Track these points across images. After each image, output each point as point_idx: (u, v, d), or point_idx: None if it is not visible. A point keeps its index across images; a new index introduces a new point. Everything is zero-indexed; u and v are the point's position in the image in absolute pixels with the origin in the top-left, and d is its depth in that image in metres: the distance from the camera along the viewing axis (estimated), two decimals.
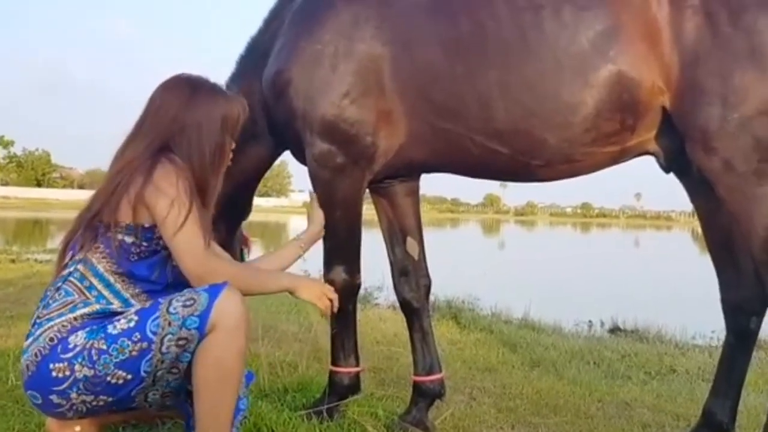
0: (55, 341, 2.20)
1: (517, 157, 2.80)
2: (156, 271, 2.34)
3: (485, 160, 2.87)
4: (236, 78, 3.24)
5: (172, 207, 2.23)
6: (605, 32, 2.63)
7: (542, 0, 2.69)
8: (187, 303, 2.16)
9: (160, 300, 2.21)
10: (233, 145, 2.48)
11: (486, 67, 2.74)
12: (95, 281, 2.29)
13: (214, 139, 2.37)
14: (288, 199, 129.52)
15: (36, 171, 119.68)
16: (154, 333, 2.15)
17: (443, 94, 2.76)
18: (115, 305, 2.28)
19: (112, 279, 2.30)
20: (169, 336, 2.15)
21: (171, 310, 2.16)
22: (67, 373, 2.17)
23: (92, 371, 2.16)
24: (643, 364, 5.15)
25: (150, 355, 2.16)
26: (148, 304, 2.24)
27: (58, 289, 2.30)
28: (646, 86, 2.63)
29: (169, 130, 2.34)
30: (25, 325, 4.96)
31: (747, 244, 2.61)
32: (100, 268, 2.29)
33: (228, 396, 2.20)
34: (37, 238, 26.96)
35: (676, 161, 2.82)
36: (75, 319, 2.24)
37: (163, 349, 2.16)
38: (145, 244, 2.29)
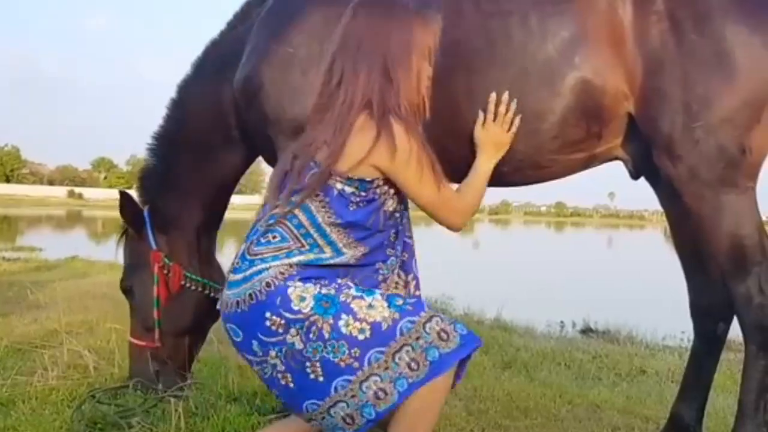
0: (273, 287, 2.13)
1: None
2: (371, 218, 2.25)
3: (457, 165, 2.86)
4: (200, 82, 3.22)
5: (409, 166, 2.20)
6: (571, 39, 2.62)
7: (510, 6, 2.68)
8: (412, 366, 2.08)
9: (397, 330, 2.11)
10: (429, 72, 2.37)
11: (454, 73, 2.72)
12: (312, 230, 2.21)
13: (417, 66, 2.28)
14: (261, 195, 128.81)
15: (5, 167, 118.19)
16: (369, 363, 2.08)
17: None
18: (328, 254, 2.21)
19: (328, 230, 2.21)
20: (377, 378, 2.08)
21: (396, 359, 2.08)
22: (281, 330, 2.11)
23: (302, 345, 2.10)
24: (613, 366, 5.18)
25: (352, 378, 2.09)
26: (385, 325, 2.11)
27: (271, 228, 2.23)
28: (610, 93, 2.63)
29: (379, 63, 2.23)
30: None
31: (713, 251, 2.62)
32: (319, 218, 2.21)
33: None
34: (5, 234, 26.63)
35: (644, 167, 2.82)
36: (290, 266, 2.17)
37: (364, 387, 2.08)
38: (363, 193, 2.22)
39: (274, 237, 2.22)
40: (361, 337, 2.08)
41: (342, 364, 2.09)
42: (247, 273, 2.18)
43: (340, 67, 2.25)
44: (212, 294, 3.35)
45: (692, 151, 2.52)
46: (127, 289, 3.36)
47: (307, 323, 2.10)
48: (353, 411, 2.10)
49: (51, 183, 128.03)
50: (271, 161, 3.05)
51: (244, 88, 2.93)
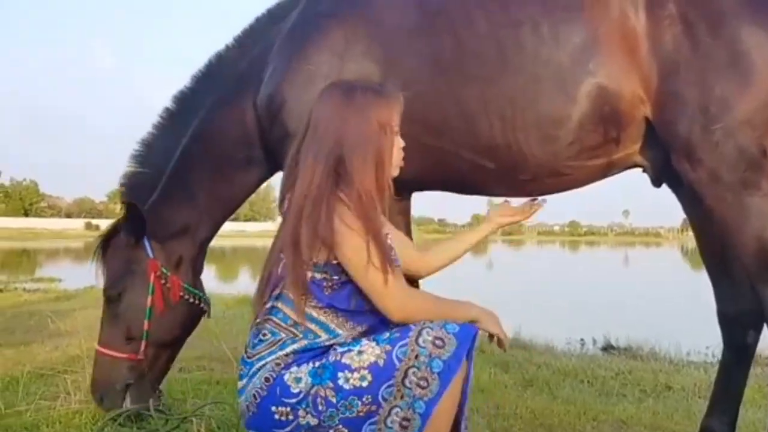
0: (272, 381, 2.16)
1: (503, 171, 2.81)
2: (353, 300, 2.23)
3: (472, 175, 2.88)
4: (222, 101, 3.21)
5: (353, 252, 2.16)
6: (584, 45, 2.64)
7: (521, 16, 2.71)
8: (422, 384, 2.08)
9: (394, 359, 2.10)
10: (401, 144, 2.36)
11: (468, 83, 2.75)
12: (299, 318, 2.22)
13: (375, 150, 2.25)
14: (274, 223, 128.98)
15: (24, 201, 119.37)
16: (385, 400, 2.08)
17: (430, 110, 2.76)
18: (323, 338, 2.21)
19: (314, 313, 2.22)
20: (397, 409, 2.08)
21: (406, 383, 2.08)
22: (290, 417, 2.13)
23: (316, 420, 2.11)
24: (637, 382, 5.10)
25: (375, 419, 2.09)
26: (381, 361, 2.11)
27: (262, 328, 2.26)
28: (626, 97, 2.64)
29: (333, 151, 2.22)
30: (14, 353, 4.97)
31: (739, 255, 2.60)
32: (292, 296, 2.22)
33: None
34: (25, 267, 26.82)
35: (665, 173, 2.82)
36: (286, 355, 2.19)
37: (389, 422, 2.08)
38: (335, 277, 2.21)
39: (264, 335, 2.25)
40: (365, 384, 2.10)
41: (362, 414, 2.10)
42: (249, 374, 2.23)
43: (301, 153, 2.28)
44: (203, 306, 3.38)
45: (712, 154, 2.51)
46: (113, 297, 3.22)
47: (310, 398, 2.12)
48: None
49: (69, 216, 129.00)
50: None
51: (268, 106, 2.97)
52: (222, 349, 4.99)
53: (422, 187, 3.08)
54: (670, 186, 3.00)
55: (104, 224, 3.31)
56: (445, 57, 2.78)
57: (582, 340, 7.80)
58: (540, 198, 2.80)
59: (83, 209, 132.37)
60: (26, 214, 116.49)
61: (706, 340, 7.48)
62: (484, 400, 4.17)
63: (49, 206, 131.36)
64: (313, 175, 2.20)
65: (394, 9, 2.91)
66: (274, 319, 2.25)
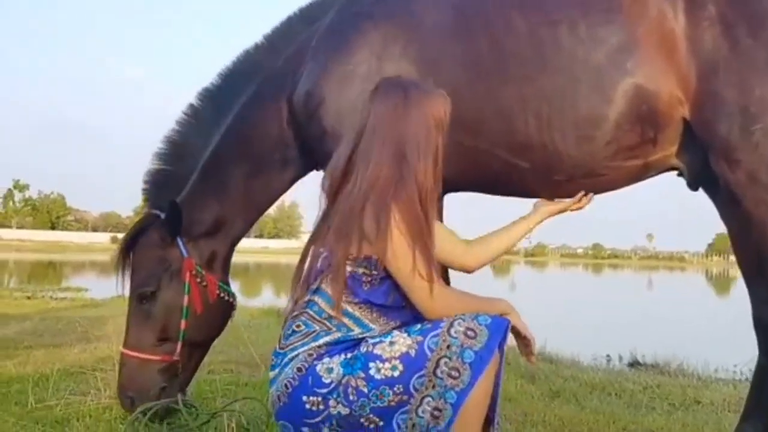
0: (303, 371, 2.18)
1: (538, 171, 2.82)
2: (390, 296, 2.24)
3: (507, 175, 2.88)
4: (260, 100, 3.21)
5: (401, 261, 2.18)
6: (621, 45, 2.66)
7: (559, 16, 2.73)
8: (453, 374, 2.08)
9: (426, 349, 2.11)
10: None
11: (505, 82, 2.77)
12: (333, 312, 2.23)
13: (434, 147, 2.28)
14: (298, 240, 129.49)
15: (51, 214, 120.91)
16: (417, 390, 2.09)
17: (466, 110, 2.78)
18: (356, 332, 2.23)
19: (350, 308, 2.23)
20: (429, 399, 2.09)
21: (438, 374, 2.08)
22: (321, 407, 2.14)
23: (347, 410, 2.12)
24: (666, 396, 5.04)
25: (407, 409, 2.10)
26: (413, 351, 2.12)
27: (297, 321, 2.28)
28: (664, 97, 2.64)
29: (396, 150, 2.24)
30: (43, 354, 5.03)
31: None
32: (331, 292, 2.24)
33: (474, 430, 2.14)
34: (51, 278, 27.11)
35: (701, 177, 2.81)
36: (319, 347, 2.21)
37: (420, 412, 2.09)
38: (375, 272, 2.21)
39: (298, 327, 2.27)
40: (396, 374, 2.10)
41: (393, 404, 2.11)
42: (281, 365, 2.24)
43: (356, 153, 2.29)
44: (235, 304, 3.38)
45: (751, 154, 2.51)
46: (145, 297, 3.18)
47: (342, 388, 2.12)
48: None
49: (95, 229, 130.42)
50: None
51: (305, 104, 3.00)
52: (249, 354, 5.04)
53: (456, 188, 3.08)
54: (707, 190, 2.98)
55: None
56: (483, 57, 2.80)
57: (608, 356, 7.73)
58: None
59: (109, 223, 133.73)
60: (53, 227, 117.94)
61: (733, 360, 7.42)
62: (511, 409, 4.14)
63: (76, 220, 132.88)
64: (378, 175, 2.21)
65: (431, 10, 2.94)
66: (309, 311, 2.27)
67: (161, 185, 3.34)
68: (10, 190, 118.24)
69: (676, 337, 10.65)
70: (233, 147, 3.24)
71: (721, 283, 48.17)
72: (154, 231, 3.22)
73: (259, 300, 14.55)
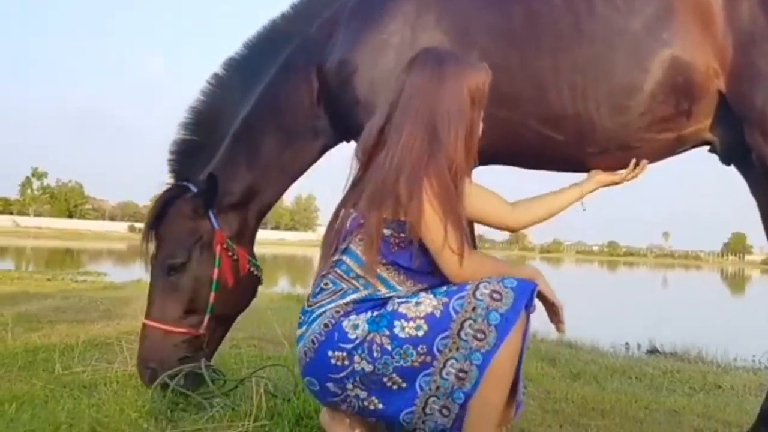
0: (330, 327, 2.20)
1: (571, 143, 2.80)
2: (417, 260, 2.24)
3: (540, 148, 2.87)
4: (291, 70, 3.18)
5: (433, 233, 2.18)
6: (658, 15, 2.65)
7: None
8: (479, 336, 2.08)
9: (451, 311, 2.12)
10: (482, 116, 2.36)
11: (539, 52, 2.76)
12: (361, 271, 2.25)
13: (468, 121, 2.27)
14: (315, 233, 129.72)
15: (68, 202, 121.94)
16: (440, 351, 2.10)
17: (500, 81, 2.76)
18: (383, 291, 2.24)
19: (377, 269, 2.25)
20: (453, 361, 2.10)
21: (462, 336, 2.09)
22: (346, 362, 2.16)
23: (371, 367, 2.13)
24: (686, 380, 5.03)
25: (430, 371, 2.11)
26: (438, 312, 2.13)
27: (325, 279, 2.30)
28: (700, 69, 2.63)
29: (429, 122, 2.24)
30: (66, 328, 5.08)
31: None
32: (363, 256, 2.26)
33: (501, 396, 2.15)
34: (69, 265, 27.31)
35: (735, 151, 2.79)
36: (346, 304, 2.23)
37: (444, 374, 2.11)
38: (402, 235, 2.22)
39: (326, 285, 2.29)
40: (420, 333, 2.10)
41: (416, 364, 2.11)
42: (309, 322, 2.26)
43: (391, 129, 2.29)
44: (261, 278, 3.36)
45: None
46: (174, 268, 3.12)
47: (366, 344, 2.13)
48: (445, 401, 2.12)
49: (112, 219, 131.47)
50: None
51: (338, 72, 2.99)
52: (272, 333, 5.07)
53: (488, 161, 3.08)
54: (738, 166, 2.96)
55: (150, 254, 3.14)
56: (517, 27, 2.80)
57: (627, 344, 7.71)
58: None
59: (126, 212, 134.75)
60: (71, 216, 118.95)
61: (752, 350, 7.39)
62: (533, 387, 4.14)
63: (94, 209, 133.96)
64: (411, 147, 2.21)
65: None
66: (337, 270, 2.29)
67: (187, 155, 3.30)
68: (28, 177, 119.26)
69: (694, 328, 10.61)
70: (264, 117, 3.21)
71: (735, 283, 47.81)
72: (184, 202, 3.17)
73: (277, 289, 14.60)
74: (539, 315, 2.24)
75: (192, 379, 3.10)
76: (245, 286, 3.27)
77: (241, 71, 3.29)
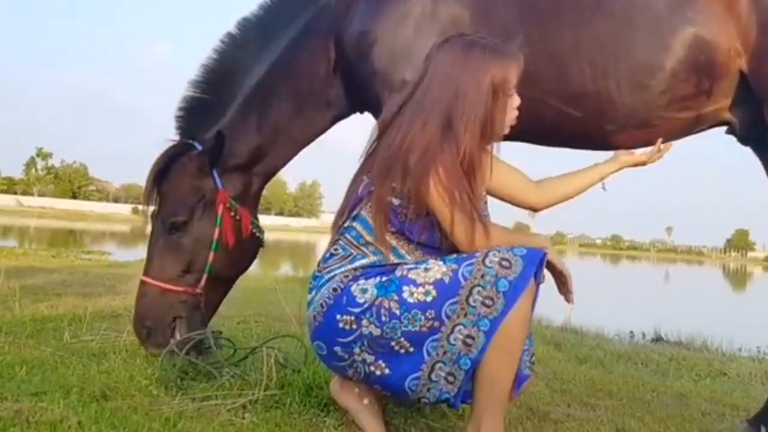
0: (339, 291, 2.22)
1: (590, 121, 2.79)
2: (424, 235, 2.26)
3: (559, 125, 2.86)
4: (310, 36, 3.14)
5: (440, 215, 2.20)
6: None
7: None
8: (487, 303, 2.09)
9: (460, 277, 2.12)
10: (516, 103, 2.35)
11: (560, 28, 2.74)
12: (370, 238, 2.27)
13: (485, 113, 2.25)
14: (318, 219, 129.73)
15: (72, 183, 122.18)
16: (448, 317, 2.11)
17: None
18: (392, 259, 2.26)
19: (387, 237, 2.26)
20: (460, 327, 2.11)
21: (471, 302, 2.10)
22: (354, 326, 2.18)
23: (379, 331, 2.15)
24: (692, 367, 5.02)
25: (438, 336, 2.12)
26: (447, 278, 2.13)
27: (335, 245, 2.33)
28: (723, 48, 2.62)
29: (445, 110, 2.24)
30: (72, 300, 5.08)
31: None
32: (373, 225, 2.27)
33: (511, 365, 2.16)
34: (72, 246, 27.35)
35: (753, 132, 2.78)
36: (355, 269, 2.25)
37: (451, 339, 2.11)
38: (411, 206, 2.23)
39: (335, 250, 2.32)
40: (429, 299, 2.12)
41: (424, 329, 2.12)
42: (318, 286, 2.29)
43: (409, 107, 2.29)
44: (263, 242, 3.34)
45: None
46: (175, 226, 3.10)
47: (374, 309, 2.15)
48: (451, 367, 2.13)
49: (116, 200, 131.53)
50: (377, 118, 3.06)
51: (358, 43, 2.96)
52: (278, 311, 5.07)
53: (505, 138, 3.06)
54: (755, 148, 2.95)
55: (151, 210, 3.08)
56: (538, 2, 2.78)
57: (631, 332, 7.69)
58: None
59: (130, 195, 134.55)
60: (74, 197, 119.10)
61: (757, 342, 7.38)
62: (541, 368, 4.14)
63: (98, 190, 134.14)
64: (425, 131, 2.21)
65: None
66: (347, 236, 2.31)
67: (195, 113, 3.25)
68: (32, 157, 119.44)
69: (698, 321, 10.59)
70: (279, 81, 3.17)
71: (737, 280, 47.78)
72: (188, 160, 3.14)
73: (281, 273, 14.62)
74: (543, 301, 2.23)
75: (201, 348, 3.10)
76: (246, 247, 3.24)
77: (256, 32, 3.24)
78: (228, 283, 3.31)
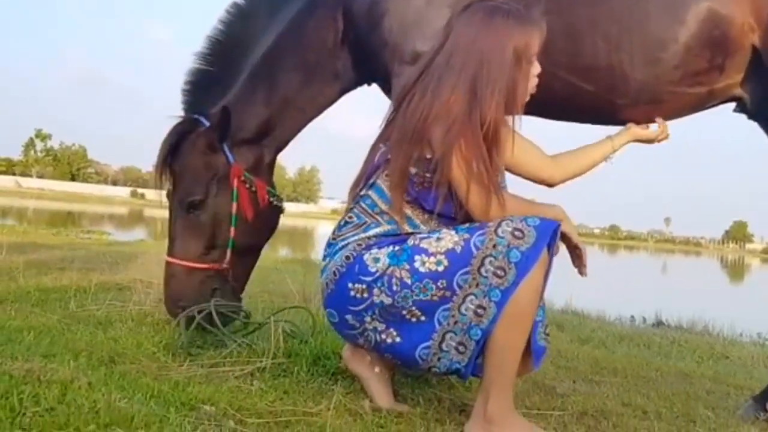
0: (352, 259, 2.22)
1: (601, 95, 2.77)
2: (439, 204, 2.24)
3: (569, 99, 2.84)
4: (319, 6, 3.11)
5: (457, 185, 2.20)
6: None
7: None
8: (499, 273, 2.08)
9: (472, 247, 2.11)
10: (537, 71, 2.34)
11: (575, 2, 2.72)
12: (385, 207, 2.27)
13: (508, 82, 2.24)
14: (317, 205, 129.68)
15: (71, 165, 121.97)
16: (460, 287, 2.10)
17: None
18: (406, 228, 2.26)
19: (403, 207, 2.26)
20: (472, 297, 2.10)
21: (482, 272, 2.09)
22: (365, 295, 2.18)
23: (390, 300, 2.15)
24: (694, 350, 5.03)
25: (449, 305, 2.12)
26: (459, 248, 2.12)
27: (350, 213, 2.33)
28: (737, 23, 2.61)
29: (468, 79, 2.22)
30: (76, 273, 5.06)
31: None
32: (390, 194, 2.27)
33: (521, 336, 2.16)
34: (71, 227, 27.31)
35: (763, 108, 2.77)
36: (368, 238, 2.25)
37: (463, 309, 2.12)
38: (428, 175, 2.22)
39: (350, 218, 2.32)
40: (440, 268, 2.11)
41: (435, 298, 2.12)
42: (332, 254, 2.29)
43: (429, 75, 2.26)
44: (283, 208, 3.32)
45: None
46: (193, 205, 3.06)
47: (386, 278, 2.15)
48: (462, 337, 2.14)
49: (115, 183, 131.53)
50: (387, 88, 3.05)
51: (369, 13, 2.93)
52: (281, 287, 5.08)
53: None
54: (763, 124, 2.94)
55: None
56: None
57: (632, 316, 7.69)
58: None
59: (129, 177, 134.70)
60: (73, 179, 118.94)
61: (758, 328, 7.38)
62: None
63: (96, 172, 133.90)
64: (450, 101, 2.20)
65: None
66: (362, 204, 2.31)
67: (202, 87, 3.21)
68: (31, 139, 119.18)
69: (698, 308, 10.61)
70: (287, 53, 3.13)
71: (735, 272, 47.84)
72: (198, 137, 3.09)
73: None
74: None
75: (212, 318, 3.05)
76: (266, 216, 3.21)
77: (262, 2, 3.20)
78: (254, 254, 3.29)
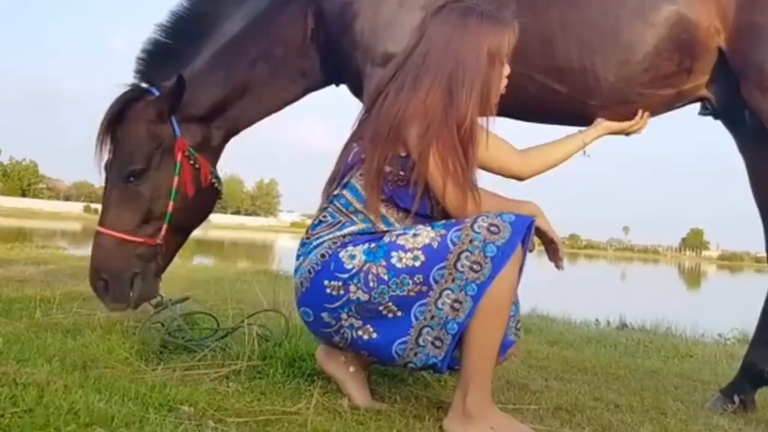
0: (327, 257, 2.21)
1: (574, 96, 2.82)
2: (416, 203, 2.25)
3: (543, 100, 2.88)
4: (278, 4, 3.07)
5: (433, 183, 2.23)
6: None
7: None
8: (475, 268, 2.10)
9: (448, 242, 2.13)
10: (507, 72, 2.36)
11: (549, 5, 2.77)
12: (360, 206, 2.27)
13: (483, 82, 2.27)
14: (276, 218, 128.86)
15: (22, 181, 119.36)
16: (436, 282, 2.12)
17: None
18: (381, 227, 2.26)
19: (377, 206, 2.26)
20: (448, 292, 2.12)
21: (459, 267, 2.11)
22: (341, 292, 2.18)
23: (367, 296, 2.15)
24: (659, 349, 5.12)
25: (426, 301, 2.13)
26: (435, 243, 2.14)
27: (324, 212, 2.32)
28: (703, 26, 2.68)
29: (444, 79, 2.25)
30: (38, 284, 4.95)
31: None
32: (365, 193, 2.27)
33: (498, 331, 2.17)
34: (25, 243, 26.66)
35: (728, 108, 2.85)
36: (344, 236, 2.24)
37: (439, 304, 2.13)
38: (402, 173, 2.24)
39: (324, 217, 2.31)
40: (417, 264, 2.13)
41: (412, 294, 2.14)
42: (306, 253, 2.29)
43: (404, 74, 2.29)
44: (221, 193, 3.24)
45: None
46: (133, 174, 2.94)
47: (362, 274, 2.16)
48: (438, 332, 2.15)
49: (68, 198, 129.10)
50: (356, 90, 3.05)
51: (341, 15, 2.94)
52: (248, 296, 5.03)
53: None
54: (727, 123, 3.03)
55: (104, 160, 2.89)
56: None
57: (597, 320, 7.76)
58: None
59: (82, 192, 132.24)
60: (24, 195, 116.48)
61: (719, 329, 7.51)
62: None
63: (48, 188, 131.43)
64: (426, 101, 2.22)
65: None
66: (336, 204, 2.31)
67: (157, 58, 3.10)
68: None
69: (659, 311, 10.78)
70: (253, 43, 3.08)
71: (691, 279, 48.79)
72: (146, 105, 2.99)
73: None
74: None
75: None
76: (205, 197, 3.12)
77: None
78: (185, 235, 3.19)
